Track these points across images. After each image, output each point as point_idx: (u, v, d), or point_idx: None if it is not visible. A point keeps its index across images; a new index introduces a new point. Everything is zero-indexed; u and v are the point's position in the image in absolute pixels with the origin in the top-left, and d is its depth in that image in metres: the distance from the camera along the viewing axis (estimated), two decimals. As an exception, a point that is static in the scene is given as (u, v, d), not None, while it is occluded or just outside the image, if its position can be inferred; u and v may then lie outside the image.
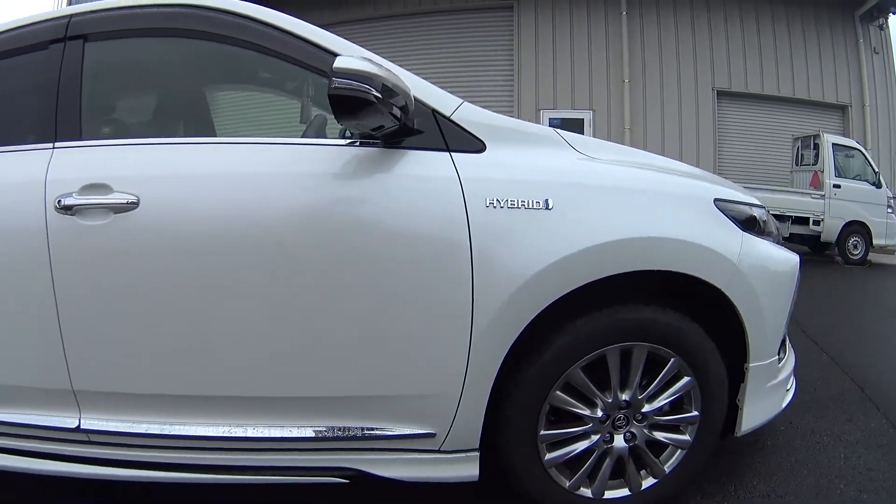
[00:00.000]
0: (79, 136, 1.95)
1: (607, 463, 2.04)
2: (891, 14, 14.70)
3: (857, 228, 11.60)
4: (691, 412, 2.09)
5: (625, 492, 2.11)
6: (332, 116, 1.70)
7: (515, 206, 1.80)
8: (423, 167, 1.83)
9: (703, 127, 14.30)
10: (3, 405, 1.94)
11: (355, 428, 1.85)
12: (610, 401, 2.00)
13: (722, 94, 14.46)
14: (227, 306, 1.81)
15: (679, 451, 2.12)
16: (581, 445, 2.01)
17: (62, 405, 1.90)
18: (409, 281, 1.79)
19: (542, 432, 1.95)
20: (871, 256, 11.91)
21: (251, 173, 1.85)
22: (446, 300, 1.78)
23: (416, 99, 1.83)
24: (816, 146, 12.06)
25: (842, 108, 14.80)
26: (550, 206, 1.82)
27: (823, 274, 10.28)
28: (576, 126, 14.15)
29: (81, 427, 1.89)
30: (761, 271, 2.09)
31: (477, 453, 1.91)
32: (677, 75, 14.34)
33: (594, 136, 13.40)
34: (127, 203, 1.79)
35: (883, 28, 14.95)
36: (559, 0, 14.58)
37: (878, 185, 11.81)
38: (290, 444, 1.86)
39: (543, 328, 1.89)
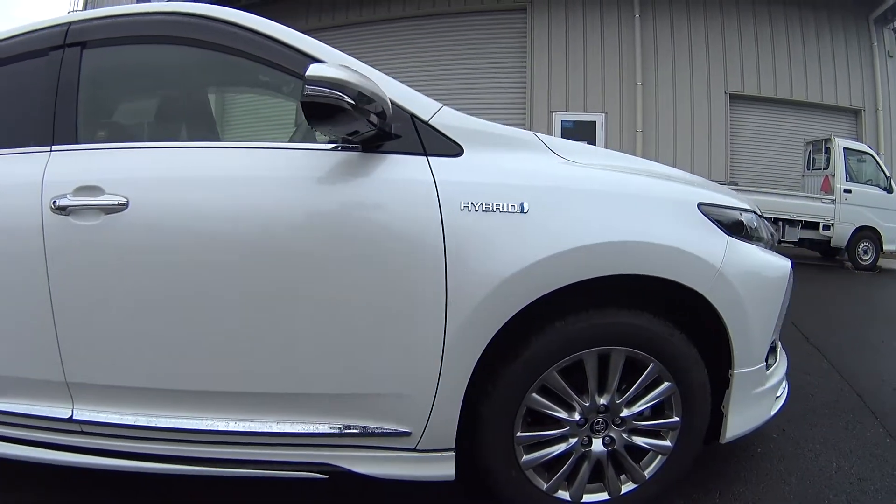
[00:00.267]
0: (75, 140, 2.03)
1: (585, 466, 2.04)
2: (905, 17, 14.58)
3: (867, 234, 11.47)
4: (672, 418, 2.08)
5: (604, 496, 2.09)
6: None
7: (490, 209, 1.82)
8: (400, 171, 1.86)
9: (715, 130, 14.25)
10: (0, 395, 2.01)
11: (332, 424, 1.88)
12: (587, 404, 2.00)
13: (734, 98, 14.41)
14: (208, 305, 1.86)
15: (660, 456, 2.11)
16: (558, 448, 2.01)
17: (56, 396, 1.97)
18: (382, 282, 1.81)
19: (519, 434, 1.96)
20: (882, 262, 11.77)
21: (235, 177, 1.90)
22: (420, 302, 1.81)
23: (394, 104, 1.87)
24: (828, 150, 11.93)
25: (855, 112, 14.68)
26: (526, 210, 1.83)
27: (832, 279, 10.17)
28: (588, 129, 14.30)
29: (74, 418, 1.96)
30: (747, 276, 2.06)
31: (453, 453, 1.92)
32: (690, 78, 14.31)
33: (606, 139, 13.65)
34: (117, 204, 1.86)
35: (898, 31, 14.83)
36: (572, 2, 14.61)
37: (890, 190, 11.68)
38: (270, 438, 1.89)
39: (523, 330, 1.90)
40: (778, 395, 2.42)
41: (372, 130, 1.77)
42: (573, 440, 2.02)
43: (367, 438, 1.89)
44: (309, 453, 1.91)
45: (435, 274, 1.79)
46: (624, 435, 2.06)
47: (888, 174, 11.77)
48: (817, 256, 12.60)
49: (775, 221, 11.25)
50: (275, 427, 1.88)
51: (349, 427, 1.88)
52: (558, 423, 2.00)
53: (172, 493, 2.28)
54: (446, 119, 1.96)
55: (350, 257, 1.82)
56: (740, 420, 2.16)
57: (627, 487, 2.11)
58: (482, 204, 1.82)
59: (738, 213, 2.20)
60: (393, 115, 1.85)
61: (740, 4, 14.33)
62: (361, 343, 1.85)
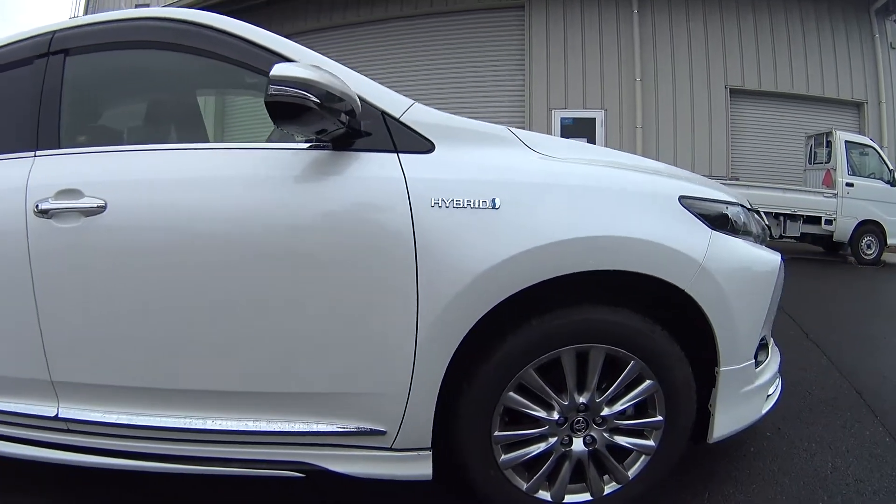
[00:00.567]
0: (57, 145, 2.08)
1: (566, 466, 2.01)
2: (907, 8, 14.44)
3: (870, 228, 11.30)
4: (655, 417, 2.03)
5: (586, 496, 2.05)
6: None
7: (461, 205, 1.81)
8: (370, 169, 1.85)
9: (715, 125, 14.13)
10: None
11: (307, 423, 1.88)
12: (566, 403, 1.96)
13: (735, 92, 14.28)
14: (183, 305, 1.88)
15: (643, 456, 2.06)
16: (538, 448, 1.98)
17: (42, 395, 2.02)
18: (352, 281, 1.82)
19: (497, 433, 1.93)
20: (886, 256, 11.61)
21: (208, 177, 1.92)
22: (390, 300, 1.80)
23: (365, 102, 1.89)
24: (829, 144, 11.79)
25: (857, 105, 14.53)
26: (497, 206, 1.82)
27: (834, 274, 10.06)
28: (587, 126, 14.22)
29: (59, 416, 1.99)
30: (733, 271, 2.02)
31: (429, 452, 1.90)
32: (689, 73, 14.18)
33: (606, 136, 13.58)
34: (96, 207, 1.89)
35: (899, 22, 14.67)
36: (570, -1, 14.54)
37: (893, 184, 11.48)
38: (248, 437, 1.90)
39: (498, 327, 1.88)
40: (770, 393, 2.34)
41: (341, 129, 1.78)
42: (553, 440, 1.98)
43: (342, 437, 1.88)
44: (286, 452, 1.91)
45: (405, 271, 1.78)
46: (605, 434, 2.02)
47: (891, 167, 11.59)
48: (820, 251, 12.47)
49: (776, 216, 11.19)
50: (251, 426, 1.88)
51: (324, 426, 1.87)
52: (537, 422, 1.96)
53: (170, 493, 2.27)
54: (417, 116, 1.95)
55: (318, 256, 1.82)
56: (728, 419, 2.10)
57: (611, 488, 2.06)
58: (453, 200, 1.81)
59: (722, 206, 2.15)
60: (364, 113, 1.86)
61: (739, -3, 14.26)
62: (331, 342, 1.84)
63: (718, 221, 2.07)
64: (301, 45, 2.03)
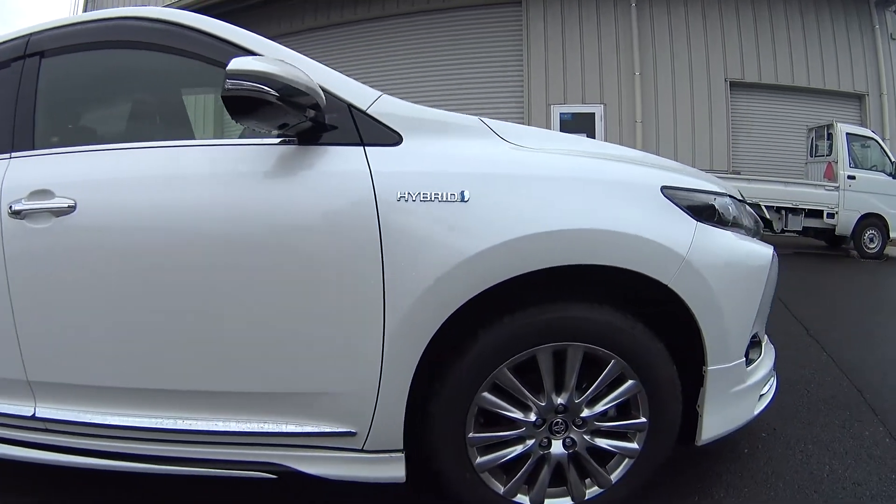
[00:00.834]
0: (32, 146, 2.09)
1: (545, 470, 1.94)
2: (907, -1, 14.28)
3: (873, 221, 11.17)
4: (638, 418, 1.96)
5: (567, 501, 1.99)
6: None
7: (428, 198, 1.76)
8: (335, 163, 1.82)
9: (715, 119, 14.01)
10: None
11: (277, 424, 1.85)
12: (543, 404, 1.90)
13: (735, 85, 14.15)
14: (152, 303, 1.87)
15: (627, 459, 1.99)
16: (515, 450, 1.92)
17: (19, 394, 2.02)
18: (317, 278, 1.78)
19: (471, 435, 1.88)
20: (889, 250, 11.46)
21: (175, 175, 1.90)
22: (356, 297, 1.76)
23: (331, 94, 1.85)
24: (830, 136, 11.63)
25: (859, 97, 14.37)
26: (466, 199, 1.76)
27: (836, 268, 9.93)
28: (587, 121, 14.12)
29: (36, 415, 1.99)
30: (720, 265, 1.94)
31: (401, 454, 1.86)
32: (689, 67, 14.06)
33: (605, 131, 13.53)
34: (66, 207, 1.89)
35: (899, 14, 14.50)
36: (568, -7, 14.44)
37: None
38: (218, 437, 1.87)
39: (471, 325, 1.83)
40: (763, 392, 2.24)
41: (303, 122, 1.75)
42: (530, 442, 1.92)
43: (313, 438, 1.84)
44: (257, 452, 1.88)
45: (371, 268, 1.73)
46: (586, 437, 1.95)
47: (894, 160, 11.45)
48: (823, 246, 12.34)
49: (778, 210, 11.08)
50: (220, 426, 1.86)
51: (294, 426, 1.84)
52: (513, 423, 1.90)
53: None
54: (385, 107, 1.91)
55: (283, 253, 1.79)
56: (718, 420, 2.02)
57: (593, 492, 2.00)
58: (420, 194, 1.75)
59: (709, 196, 2.06)
60: (330, 106, 1.83)
61: (738, -10, 14.13)
62: (296, 340, 1.81)
63: (704, 213, 1.99)
64: (277, 44, 2.00)
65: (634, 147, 13.45)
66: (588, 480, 1.99)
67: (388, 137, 1.86)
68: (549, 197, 1.82)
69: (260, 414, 1.86)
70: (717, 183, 2.21)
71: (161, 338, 1.87)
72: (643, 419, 1.94)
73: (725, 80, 14.05)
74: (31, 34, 2.21)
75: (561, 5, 14.34)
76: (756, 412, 2.17)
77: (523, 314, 1.83)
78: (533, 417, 1.90)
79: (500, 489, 1.94)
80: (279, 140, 1.85)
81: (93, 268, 1.89)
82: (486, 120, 2.00)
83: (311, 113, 1.74)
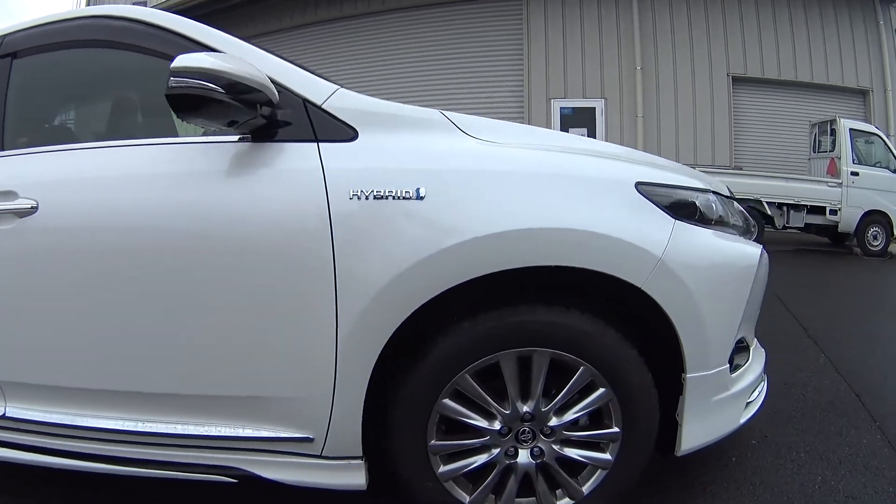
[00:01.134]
0: (1, 147, 2.09)
1: (512, 480, 1.87)
2: (914, -6, 14.07)
3: (877, 218, 10.95)
4: (611, 428, 1.86)
5: None
6: None
7: (382, 196, 1.70)
8: (288, 160, 1.77)
9: (717, 114, 13.85)
10: None
11: (234, 428, 1.82)
12: (508, 412, 1.82)
13: (737, 80, 13.99)
14: (108, 305, 1.85)
15: (599, 470, 1.89)
16: (479, 459, 1.85)
17: None
18: (270, 281, 1.73)
19: (433, 443, 1.81)
20: (893, 248, 11.25)
21: (133, 174, 1.88)
22: (307, 300, 1.71)
23: (286, 89, 1.81)
24: (833, 132, 11.41)
25: (863, 93, 14.18)
26: (422, 196, 1.70)
27: (838, 266, 9.75)
28: (587, 115, 14.04)
29: (7, 415, 1.98)
30: (701, 266, 1.83)
31: (361, 461, 1.80)
32: (691, 61, 13.90)
33: (606, 126, 13.44)
34: (29, 208, 1.88)
35: (905, 9, 14.27)
36: (569, -13, 14.32)
37: (900, 173, 11.17)
38: (179, 440, 1.85)
39: (431, 329, 1.77)
40: (750, 400, 2.11)
41: (255, 119, 1.71)
42: (496, 451, 1.84)
43: (271, 443, 1.81)
44: (218, 456, 1.84)
45: (322, 270, 1.68)
46: (554, 446, 1.86)
47: (898, 155, 11.26)
48: (826, 243, 12.14)
49: (779, 206, 10.92)
50: (179, 429, 1.83)
51: (251, 431, 1.80)
52: (477, 431, 1.83)
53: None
54: (341, 102, 1.85)
55: (234, 255, 1.74)
56: (699, 430, 1.90)
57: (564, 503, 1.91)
58: (373, 191, 1.70)
59: (689, 193, 1.95)
60: (286, 102, 1.79)
61: (740, -17, 13.95)
62: (250, 343, 1.77)
63: (684, 210, 1.88)
64: (243, 41, 1.96)
65: (636, 142, 13.43)
66: (559, 491, 1.90)
67: (343, 133, 1.80)
68: (510, 194, 1.74)
69: (218, 418, 1.82)
70: (702, 179, 2.10)
71: (118, 340, 1.85)
72: (616, 429, 1.84)
73: (728, 75, 13.89)
74: (4, 35, 2.20)
75: (562, -1, 14.24)
76: (742, 420, 2.05)
77: (485, 318, 1.75)
78: (497, 426, 1.82)
79: (466, 499, 1.86)
80: (238, 137, 1.80)
81: (55, 269, 1.88)
82: (447, 113, 1.91)
83: (267, 110, 1.72)
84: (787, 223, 11.07)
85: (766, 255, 2.16)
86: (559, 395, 1.80)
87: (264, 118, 1.74)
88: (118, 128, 2.50)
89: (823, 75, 13.97)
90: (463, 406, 1.80)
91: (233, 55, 1.73)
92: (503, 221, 1.69)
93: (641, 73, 13.84)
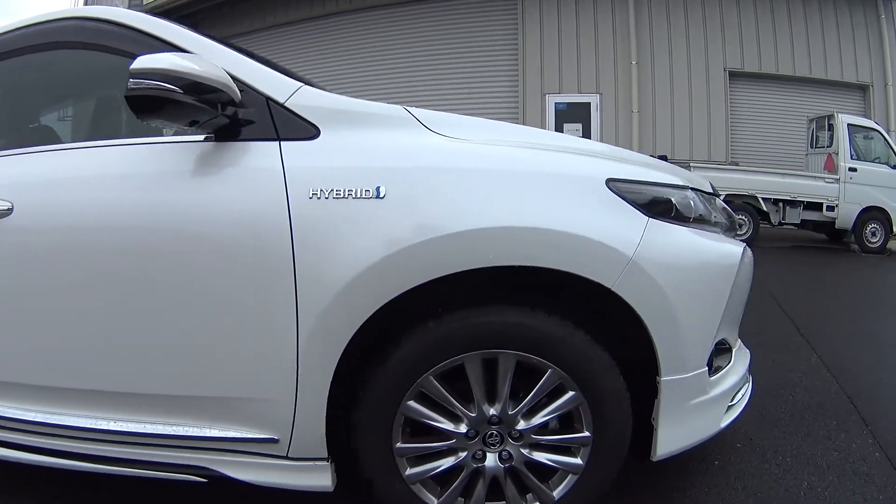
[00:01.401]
0: None
1: (481, 484, 1.83)
2: (915, -12, 13.94)
3: (875, 214, 10.84)
4: (582, 432, 1.80)
5: None
6: None
7: (342, 195, 1.67)
8: (249, 160, 1.75)
9: (714, 109, 13.79)
10: None
11: (201, 428, 1.80)
12: (474, 415, 1.77)
13: (734, 75, 13.92)
14: (78, 306, 1.85)
15: (571, 475, 1.84)
16: (446, 462, 1.82)
17: None
18: (231, 281, 1.72)
19: (399, 445, 1.78)
20: (892, 245, 11.14)
21: (103, 175, 1.87)
22: (268, 300, 1.69)
23: (250, 88, 1.81)
24: (831, 127, 11.31)
25: (863, 88, 14.09)
26: (382, 195, 1.67)
27: (836, 263, 9.66)
28: (582, 110, 14.00)
29: None
30: (676, 266, 1.77)
31: (326, 462, 1.78)
32: (687, 56, 13.83)
33: (602, 121, 13.39)
34: (4, 209, 1.86)
35: (906, 3, 14.14)
36: (563, -20, 14.22)
37: (899, 169, 11.05)
38: (150, 439, 1.83)
39: (395, 330, 1.75)
40: (731, 403, 2.03)
41: (216, 118, 1.70)
42: (463, 454, 1.80)
43: (238, 443, 1.79)
44: (188, 456, 1.83)
45: (282, 271, 1.66)
46: (523, 450, 1.81)
47: (898, 152, 11.15)
48: (823, 239, 12.03)
49: (775, 202, 10.84)
50: (149, 428, 1.81)
51: (217, 431, 1.79)
52: (443, 434, 1.79)
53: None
54: (303, 99, 1.83)
55: (197, 255, 1.74)
56: (676, 434, 1.84)
57: None
58: (333, 190, 1.67)
59: (665, 189, 1.88)
60: (250, 100, 1.79)
61: (738, -23, 13.85)
62: (213, 343, 1.75)
63: (659, 208, 1.82)
64: (213, 41, 1.96)
65: (631, 137, 13.37)
66: (530, 496, 1.85)
67: (305, 131, 1.78)
68: (473, 192, 1.70)
69: (186, 418, 1.81)
70: (682, 175, 2.03)
71: (87, 339, 1.85)
72: (586, 433, 1.79)
73: (724, 70, 13.82)
74: None
75: (557, -8, 14.15)
76: (723, 424, 1.97)
77: (449, 319, 1.72)
78: (464, 429, 1.78)
79: (434, 502, 1.83)
80: (204, 137, 1.79)
81: (29, 269, 1.88)
82: (411, 109, 1.88)
83: (231, 109, 1.72)
84: (783, 219, 11.00)
85: (750, 253, 2.09)
86: (526, 399, 1.76)
87: (227, 117, 1.73)
88: (95, 129, 2.51)
89: (822, 70, 13.88)
90: (428, 408, 1.76)
91: (197, 55, 1.74)
92: (463, 221, 1.65)
93: (637, 68, 13.78)
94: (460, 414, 1.77)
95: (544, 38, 14.18)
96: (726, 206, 2.21)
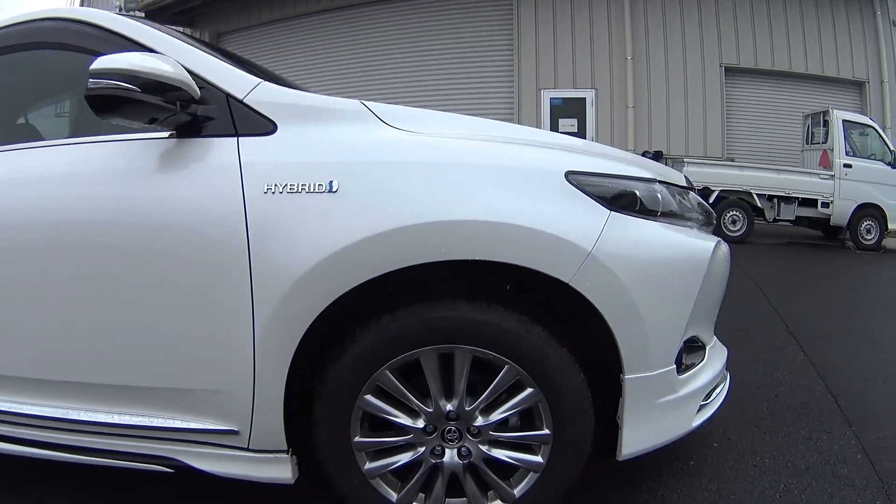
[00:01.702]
0: None
1: (440, 480, 1.82)
2: (910, -16, 13.86)
3: (870, 211, 10.78)
4: (542, 430, 1.77)
5: None
6: None
7: (295, 190, 1.69)
8: (210, 156, 1.77)
9: (710, 105, 13.69)
10: None
11: (165, 419, 1.82)
12: (431, 410, 1.77)
13: (730, 71, 13.82)
14: (42, 301, 1.88)
15: (531, 473, 1.81)
16: (404, 457, 1.82)
17: None
18: (186, 276, 1.74)
19: (357, 439, 1.79)
20: (887, 242, 11.08)
21: (64, 173, 1.89)
22: (224, 294, 1.71)
23: (210, 84, 1.83)
24: (826, 123, 11.23)
25: (858, 85, 14.02)
26: (335, 189, 1.68)
27: (830, 260, 9.59)
28: (578, 106, 13.92)
29: None
30: (640, 261, 1.74)
31: (286, 455, 1.79)
32: (682, 51, 13.74)
33: (597, 116, 13.31)
34: None
35: (902, -1, 14.04)
36: (558, -24, 14.15)
37: (895, 166, 10.95)
38: (119, 430, 1.85)
39: (351, 324, 1.76)
40: (704, 402, 1.97)
41: (173, 115, 1.72)
42: (421, 449, 1.80)
43: (200, 435, 1.81)
44: (155, 446, 1.85)
45: (238, 265, 1.68)
46: (482, 447, 1.79)
47: (893, 148, 11.05)
48: (819, 236, 11.98)
49: (770, 199, 10.77)
50: (116, 419, 1.84)
51: (180, 422, 1.81)
52: (401, 429, 1.79)
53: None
54: (262, 95, 1.84)
55: (155, 251, 1.76)
56: (643, 434, 1.81)
57: None
58: (287, 185, 1.69)
59: (630, 183, 1.84)
60: (210, 97, 1.81)
61: (734, -29, 13.76)
62: (172, 336, 1.77)
63: (622, 201, 1.78)
64: (178, 39, 1.98)
65: (626, 133, 13.31)
66: (491, 493, 1.83)
67: (263, 126, 1.79)
68: (425, 185, 1.69)
69: (152, 409, 1.83)
70: (651, 169, 1.99)
71: (51, 333, 1.88)
72: (546, 431, 1.75)
73: (720, 66, 13.73)
74: None
75: (552, -13, 14.07)
76: (695, 424, 1.92)
77: (404, 313, 1.71)
78: (421, 424, 1.77)
79: (394, 497, 1.83)
80: (168, 134, 1.81)
81: None
82: (368, 103, 1.87)
83: (195, 107, 1.75)
84: (777, 216, 10.94)
85: (725, 248, 2.04)
86: (483, 395, 1.73)
87: (189, 114, 1.75)
88: (76, 126, 2.52)
89: (818, 66, 13.80)
90: (385, 403, 1.76)
91: (159, 54, 1.77)
92: (414, 215, 1.64)
93: (632, 63, 13.68)
94: (417, 409, 1.75)
95: (539, 32, 14.08)
96: (702, 200, 2.16)
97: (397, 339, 1.70)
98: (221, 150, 1.76)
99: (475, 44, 14.53)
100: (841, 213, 10.75)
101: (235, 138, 1.78)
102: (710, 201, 10.73)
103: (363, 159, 1.73)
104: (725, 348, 2.25)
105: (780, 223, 11.19)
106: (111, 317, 1.80)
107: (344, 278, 1.65)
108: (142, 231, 1.76)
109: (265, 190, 1.69)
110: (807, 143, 12.16)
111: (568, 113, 13.79)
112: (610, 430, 1.81)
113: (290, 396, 1.74)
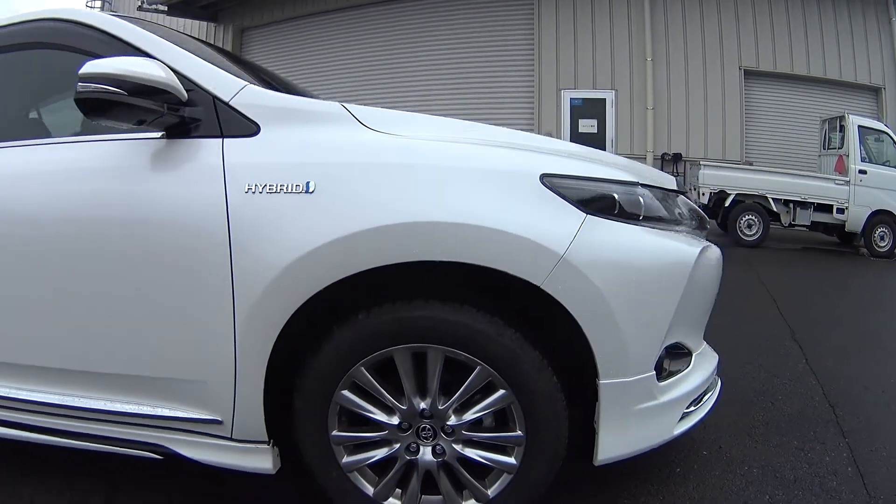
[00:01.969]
0: None
1: (416, 476, 1.85)
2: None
3: (884, 218, 10.62)
4: (515, 431, 1.78)
5: None
6: None
7: (274, 190, 1.73)
8: (197, 156, 1.82)
9: (729, 108, 13.56)
10: None
11: (153, 407, 1.89)
12: (405, 408, 1.80)
13: (749, 74, 13.68)
14: (35, 291, 1.95)
15: (505, 474, 1.82)
16: (380, 453, 1.86)
17: None
18: (171, 272, 1.79)
19: (335, 433, 1.84)
20: (900, 250, 10.90)
21: (53, 171, 1.96)
22: (207, 290, 1.76)
23: (198, 86, 1.88)
24: (842, 128, 11.04)
25: (875, 91, 13.81)
26: (311, 190, 1.72)
27: (842, 267, 9.43)
28: (598, 106, 13.87)
29: None
30: (616, 265, 1.72)
31: (268, 446, 1.85)
32: (702, 54, 13.62)
33: (617, 117, 13.30)
34: None
35: (919, 6, 13.82)
36: (579, -23, 14.07)
37: (909, 173, 10.78)
38: (105, 416, 1.91)
39: (329, 321, 1.79)
40: (688, 410, 1.94)
41: (160, 117, 1.77)
42: (396, 445, 1.84)
43: (185, 423, 1.87)
44: (145, 433, 1.92)
45: (220, 261, 1.73)
46: (455, 446, 1.81)
47: (907, 155, 10.87)
48: (835, 242, 11.77)
49: (786, 203, 10.65)
50: (108, 405, 1.90)
51: (167, 411, 1.87)
52: (377, 425, 1.83)
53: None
54: (248, 98, 1.89)
55: (140, 248, 1.82)
56: (620, 440, 1.79)
57: None
58: (267, 185, 1.74)
59: (608, 186, 1.82)
60: (198, 99, 1.86)
61: (754, -24, 13.60)
62: (157, 327, 1.83)
63: (599, 204, 1.77)
64: (169, 42, 2.00)
65: (646, 134, 13.25)
66: (466, 492, 1.86)
67: (247, 128, 1.84)
68: (398, 187, 1.71)
69: (141, 397, 1.89)
70: (635, 172, 1.97)
71: (46, 323, 1.95)
72: (519, 433, 1.76)
73: (739, 69, 13.59)
74: None
75: (572, -11, 14.00)
76: (676, 432, 1.89)
77: (378, 312, 1.74)
78: (396, 420, 1.81)
79: (371, 490, 1.87)
80: (160, 135, 1.86)
81: None
82: (348, 106, 1.91)
83: (185, 109, 1.81)
84: (793, 220, 10.80)
85: (715, 253, 2.02)
86: (456, 394, 1.75)
87: (178, 116, 1.80)
88: (76, 125, 2.53)
89: (836, 71, 13.62)
90: (361, 399, 1.79)
91: (146, 57, 1.81)
92: (388, 215, 1.67)
93: (652, 65, 13.58)
94: (392, 406, 1.78)
95: (560, 33, 14.03)
96: (693, 204, 2.14)
97: (372, 337, 1.73)
98: (208, 150, 1.82)
99: (496, 44, 14.51)
100: (855, 219, 10.59)
101: (220, 139, 1.83)
102: (727, 205, 10.66)
103: (340, 161, 1.76)
104: (717, 355, 2.22)
105: (795, 228, 11.05)
106: (101, 308, 1.87)
107: (318, 276, 1.68)
108: (133, 227, 1.81)
109: (246, 190, 1.74)
110: (824, 148, 11.98)
111: (588, 114, 13.75)
112: (590, 434, 1.79)
113: (273, 389, 1.78)
